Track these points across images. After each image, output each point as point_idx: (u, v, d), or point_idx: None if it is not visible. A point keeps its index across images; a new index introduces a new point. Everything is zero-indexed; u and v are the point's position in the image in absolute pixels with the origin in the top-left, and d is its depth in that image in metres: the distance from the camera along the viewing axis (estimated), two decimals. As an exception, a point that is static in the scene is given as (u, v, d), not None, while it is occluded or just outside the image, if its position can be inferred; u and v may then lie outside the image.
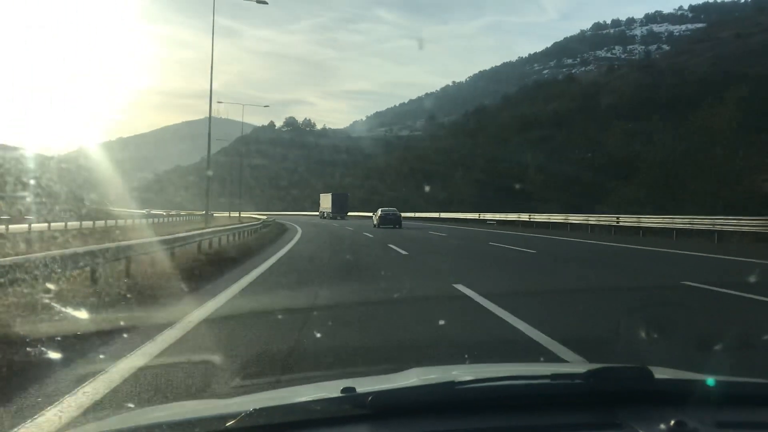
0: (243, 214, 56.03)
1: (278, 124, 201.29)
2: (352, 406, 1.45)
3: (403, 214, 48.84)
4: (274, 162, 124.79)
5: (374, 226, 34.91)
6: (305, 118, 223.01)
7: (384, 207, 39.43)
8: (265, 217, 43.54)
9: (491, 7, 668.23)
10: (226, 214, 58.15)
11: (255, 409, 1.44)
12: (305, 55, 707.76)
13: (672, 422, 1.35)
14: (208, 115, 26.41)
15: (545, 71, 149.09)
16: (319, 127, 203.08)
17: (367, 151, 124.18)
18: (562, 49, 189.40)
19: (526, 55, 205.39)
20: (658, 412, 1.44)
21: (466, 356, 4.34)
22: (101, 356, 4.33)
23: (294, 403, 1.62)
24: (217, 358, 4.26)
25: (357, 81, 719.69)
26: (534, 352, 4.57)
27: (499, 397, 1.55)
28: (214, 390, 3.51)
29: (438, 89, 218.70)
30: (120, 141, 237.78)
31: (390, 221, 34.08)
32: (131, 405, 3.19)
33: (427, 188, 62.31)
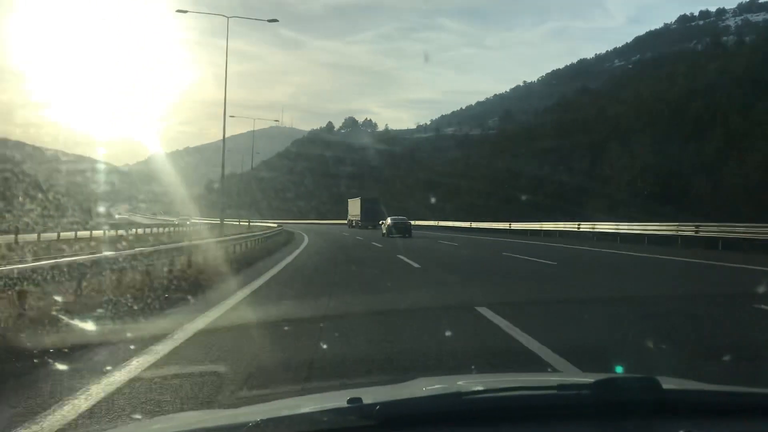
0: (252, 223, 52.16)
1: (337, 126, 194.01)
2: (359, 417, 1.46)
3: (490, 224, 41.73)
4: (320, 167, 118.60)
5: (383, 235, 34.61)
6: (366, 119, 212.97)
7: (393, 215, 38.56)
8: (275, 225, 41.72)
9: (556, 12, 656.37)
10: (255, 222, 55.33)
11: (261, 420, 1.46)
12: (368, 65, 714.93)
13: None
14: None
15: (629, 66, 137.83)
16: (380, 128, 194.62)
17: (434, 150, 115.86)
18: (644, 44, 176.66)
19: (604, 52, 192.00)
20: (667, 423, 1.47)
21: (473, 366, 4.32)
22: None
23: (300, 413, 1.63)
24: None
25: (420, 90, 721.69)
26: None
27: (506, 408, 1.57)
28: (220, 400, 3.54)
29: (508, 90, 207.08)
30: (187, 150, 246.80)
31: (400, 230, 33.86)
32: (138, 416, 3.24)
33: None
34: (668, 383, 1.69)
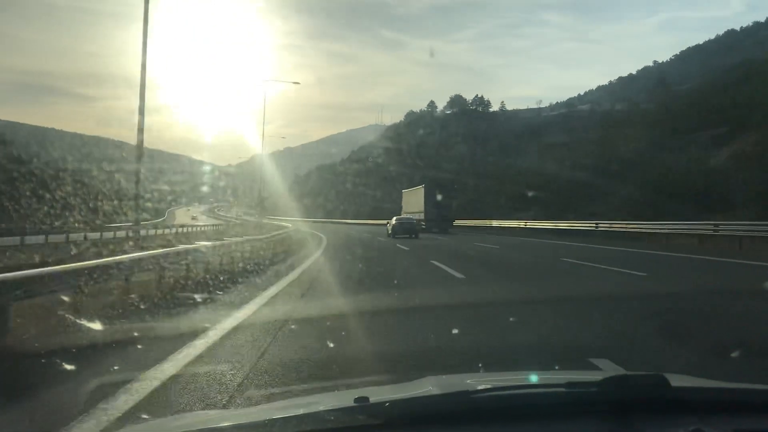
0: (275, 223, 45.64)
1: (441, 105, 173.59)
2: (366, 416, 1.50)
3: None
4: (398, 153, 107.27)
5: (388, 235, 34.33)
6: (476, 95, 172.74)
7: (399, 215, 37.98)
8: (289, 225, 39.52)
9: (667, 2, 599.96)
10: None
11: (268, 419, 1.52)
12: (469, 63, 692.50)
13: (690, 430, 1.42)
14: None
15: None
16: (495, 107, 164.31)
17: (565, 131, 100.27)
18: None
19: (750, 24, 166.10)
20: (676, 421, 1.51)
21: (480, 365, 4.46)
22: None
23: (307, 413, 1.65)
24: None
25: (523, 86, 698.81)
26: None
27: (514, 406, 1.61)
28: (228, 400, 3.69)
29: (635, 72, 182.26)
30: (286, 150, 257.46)
31: (406, 230, 33.95)
32: (145, 416, 3.35)
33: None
34: (677, 380, 1.71)
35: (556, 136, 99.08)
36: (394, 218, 35.83)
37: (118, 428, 3.06)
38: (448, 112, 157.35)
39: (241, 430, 1.53)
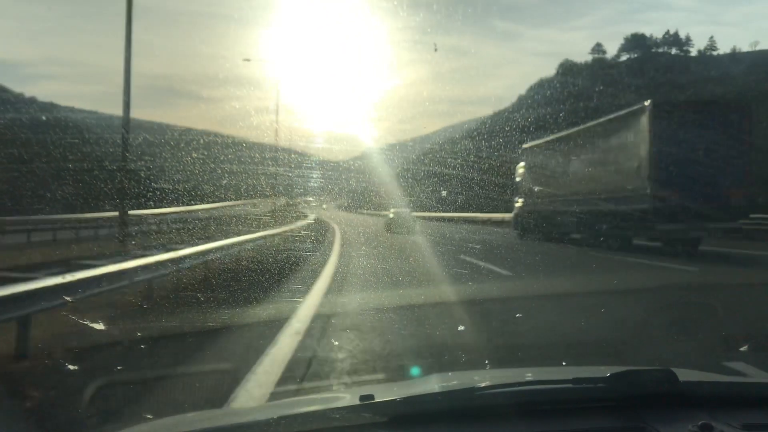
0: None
1: (612, 50, 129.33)
2: (372, 413, 1.52)
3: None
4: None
5: (387, 232, 30.54)
6: (667, 31, 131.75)
7: (395, 208, 32.14)
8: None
9: None
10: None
11: (274, 418, 1.53)
12: (586, 51, 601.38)
13: (698, 424, 1.45)
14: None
15: None
16: (699, 44, 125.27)
17: None
18: None
19: None
20: (684, 415, 1.54)
21: (486, 362, 4.45)
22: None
23: (312, 411, 1.69)
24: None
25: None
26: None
27: (520, 403, 1.61)
28: (234, 399, 3.84)
29: None
30: (400, 143, 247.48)
31: (402, 225, 30.86)
32: (149, 416, 3.47)
33: None
34: (685, 375, 1.71)
35: None
36: (391, 211, 31.13)
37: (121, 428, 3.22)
38: (624, 58, 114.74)
39: (244, 428, 1.55)
